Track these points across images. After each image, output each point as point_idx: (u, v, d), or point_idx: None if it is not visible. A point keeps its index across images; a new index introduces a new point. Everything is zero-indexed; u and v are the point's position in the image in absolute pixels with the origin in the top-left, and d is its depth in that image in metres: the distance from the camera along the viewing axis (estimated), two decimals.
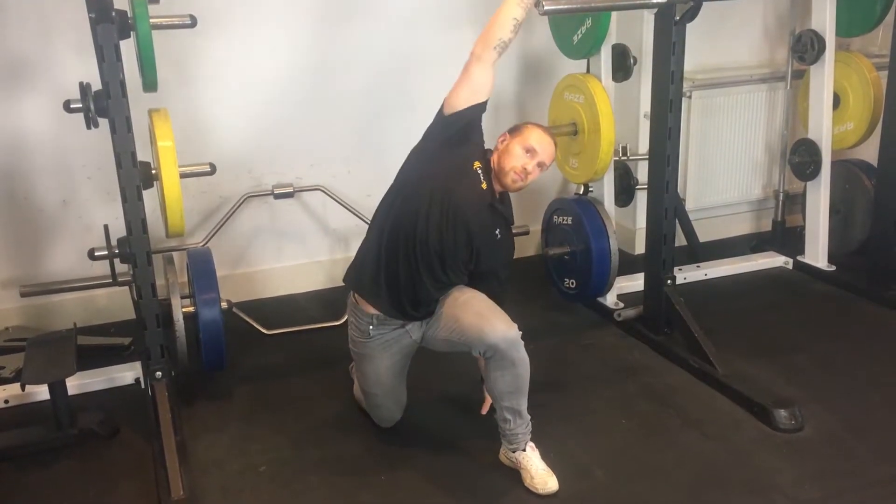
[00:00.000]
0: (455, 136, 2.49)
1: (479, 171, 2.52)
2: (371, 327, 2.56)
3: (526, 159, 2.51)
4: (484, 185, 2.52)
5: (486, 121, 4.02)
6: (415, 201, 2.47)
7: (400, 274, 2.49)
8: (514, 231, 3.67)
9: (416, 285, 2.49)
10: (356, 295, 2.62)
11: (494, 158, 2.57)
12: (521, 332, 2.39)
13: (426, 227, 2.45)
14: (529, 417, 2.47)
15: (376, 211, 2.63)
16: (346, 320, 3.47)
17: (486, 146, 2.64)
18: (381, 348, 2.59)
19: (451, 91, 2.50)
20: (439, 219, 2.45)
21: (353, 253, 3.87)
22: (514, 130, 2.58)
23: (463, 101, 2.47)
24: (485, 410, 2.69)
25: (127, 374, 3.08)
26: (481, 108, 2.50)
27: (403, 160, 2.61)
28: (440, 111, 2.52)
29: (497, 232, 2.59)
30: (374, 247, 2.55)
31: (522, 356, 2.39)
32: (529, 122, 2.62)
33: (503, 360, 2.37)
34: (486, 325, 2.38)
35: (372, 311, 2.56)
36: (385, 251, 2.51)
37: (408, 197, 2.50)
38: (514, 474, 2.47)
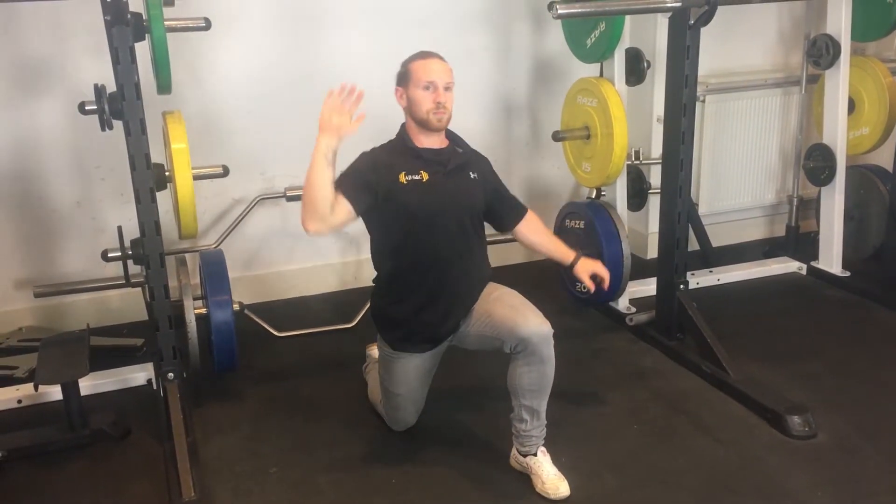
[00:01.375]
0: (370, 204, 2.44)
1: (408, 176, 2.46)
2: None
3: (432, 94, 2.44)
4: (424, 176, 2.47)
5: (499, 125, 4.05)
6: (402, 250, 2.49)
7: (438, 300, 2.49)
8: None
9: (453, 298, 2.50)
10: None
11: (407, 120, 2.54)
12: (553, 331, 2.38)
13: (428, 251, 2.46)
14: (546, 422, 2.46)
15: (374, 259, 2.64)
16: (357, 323, 3.51)
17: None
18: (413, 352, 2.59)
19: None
20: (431, 234, 2.45)
21: (364, 255, 3.88)
22: (402, 79, 2.51)
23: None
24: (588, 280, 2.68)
25: (139, 375, 3.09)
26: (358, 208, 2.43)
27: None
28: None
29: (471, 174, 2.55)
30: (394, 296, 2.57)
31: (551, 354, 2.38)
32: (408, 60, 2.51)
33: (532, 356, 2.35)
34: (519, 317, 2.37)
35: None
36: (407, 294, 2.52)
37: (393, 251, 2.52)
38: (525, 479, 2.46)
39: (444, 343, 2.59)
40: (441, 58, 2.48)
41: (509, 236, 2.79)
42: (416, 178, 2.46)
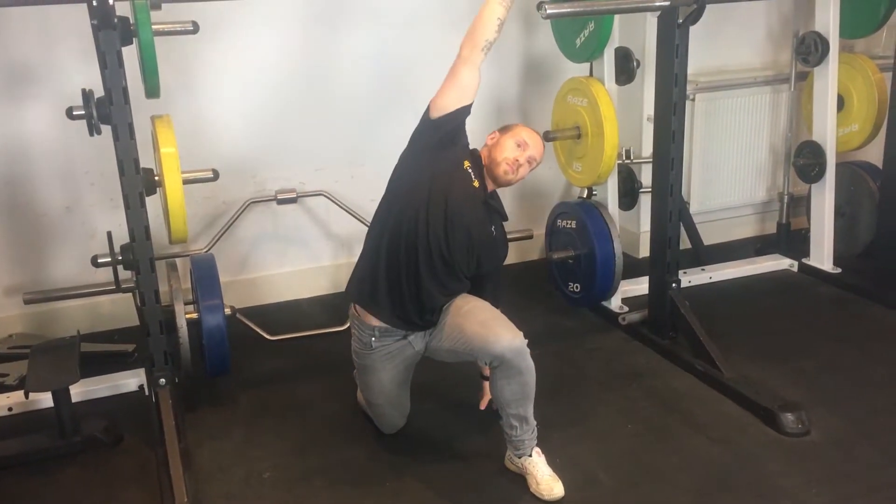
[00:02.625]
0: (445, 138, 2.50)
1: (470, 170, 2.54)
2: (373, 339, 2.56)
3: (518, 152, 2.56)
4: (476, 183, 2.54)
5: (487, 124, 4.04)
6: (412, 208, 2.46)
7: (402, 282, 2.48)
8: (517, 235, 3.68)
9: (421, 292, 2.48)
10: (357, 307, 2.61)
11: (485, 153, 2.61)
12: (526, 340, 2.38)
13: (427, 232, 2.45)
14: (535, 423, 2.46)
15: (373, 221, 2.63)
16: (350, 326, 3.50)
17: (472, 146, 2.65)
18: (384, 360, 2.58)
19: (437, 94, 2.51)
20: (439, 222, 2.45)
21: (356, 258, 3.85)
22: (504, 129, 2.63)
23: (452, 104, 2.48)
24: (483, 406, 2.71)
25: (131, 380, 3.07)
26: (468, 110, 2.51)
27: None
28: (426, 115, 2.53)
29: (493, 229, 2.61)
30: (373, 257, 2.54)
31: (528, 364, 2.38)
32: (521, 124, 2.67)
33: (510, 370, 2.35)
34: (490, 335, 2.36)
35: (374, 322, 2.55)
36: (385, 260, 2.50)
37: (405, 204, 2.49)
38: (520, 480, 2.46)
39: (416, 350, 2.59)
40: (541, 142, 2.67)
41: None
42: (471, 177, 2.54)
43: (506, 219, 2.70)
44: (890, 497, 2.38)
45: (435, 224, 2.45)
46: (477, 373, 2.76)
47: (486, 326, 2.40)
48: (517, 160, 2.55)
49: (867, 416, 2.79)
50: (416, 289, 2.48)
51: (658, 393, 2.97)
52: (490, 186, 2.61)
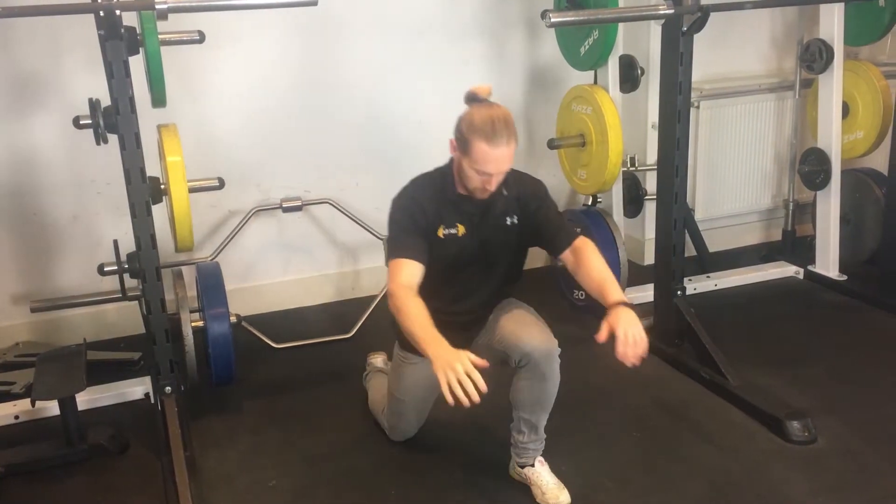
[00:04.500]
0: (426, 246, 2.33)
1: (446, 230, 2.34)
2: None
3: (484, 180, 2.25)
4: (461, 230, 2.36)
5: None
6: (427, 283, 2.31)
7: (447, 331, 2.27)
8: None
9: (478, 310, 2.48)
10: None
11: (455, 169, 2.33)
12: (560, 350, 2.36)
13: (456, 289, 2.42)
14: (545, 436, 2.45)
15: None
16: (355, 333, 3.51)
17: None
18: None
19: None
20: (458, 279, 2.41)
21: (361, 266, 3.89)
22: (461, 145, 2.24)
23: None
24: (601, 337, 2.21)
25: (137, 388, 3.08)
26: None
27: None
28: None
29: (509, 221, 2.39)
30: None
31: (555, 372, 2.36)
32: (472, 131, 2.20)
33: (535, 371, 2.33)
34: (525, 333, 2.35)
35: None
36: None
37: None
38: (527, 489, 2.45)
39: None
40: (508, 141, 2.20)
41: None
42: (453, 231, 2.35)
43: (519, 183, 2.39)
44: None
45: (453, 282, 2.41)
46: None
47: (523, 325, 2.39)
48: (485, 185, 2.26)
49: (874, 423, 2.78)
50: (468, 317, 2.47)
51: (664, 401, 2.97)
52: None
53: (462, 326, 2.45)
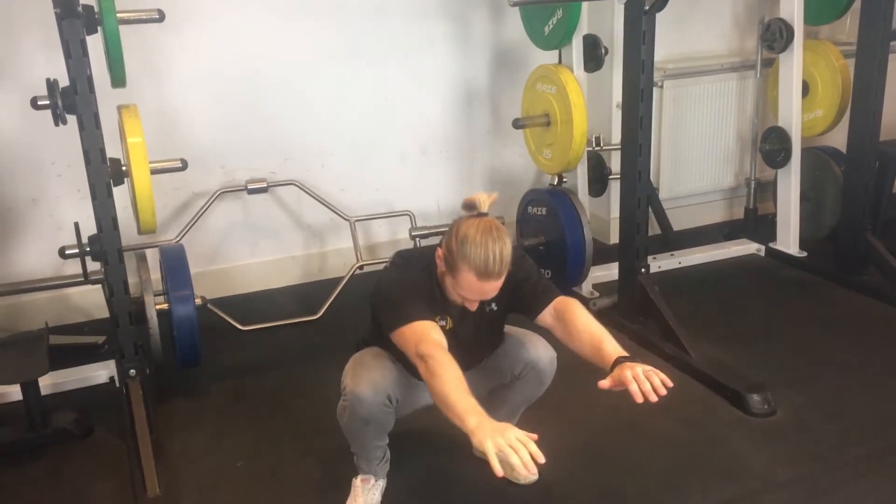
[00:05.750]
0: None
1: (440, 321, 2.14)
2: None
3: (468, 302, 2.10)
4: (449, 323, 2.17)
5: (460, 113, 4.05)
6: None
7: None
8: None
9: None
10: None
11: (439, 273, 2.13)
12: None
13: None
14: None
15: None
16: (322, 315, 3.50)
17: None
18: None
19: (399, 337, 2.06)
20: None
21: (328, 247, 3.85)
22: (448, 264, 2.03)
23: None
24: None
25: (101, 372, 3.06)
26: None
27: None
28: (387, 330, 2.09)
29: (491, 307, 2.22)
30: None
31: (549, 382, 2.38)
32: (463, 257, 1.98)
33: (537, 377, 2.33)
34: (529, 343, 2.32)
35: None
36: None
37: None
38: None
39: None
40: (500, 276, 2.01)
41: None
42: (443, 323, 2.15)
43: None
44: (851, 474, 2.44)
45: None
46: None
47: (525, 336, 2.34)
48: (469, 306, 2.11)
49: (831, 395, 2.84)
50: None
51: None
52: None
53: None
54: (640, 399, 1.87)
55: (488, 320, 2.26)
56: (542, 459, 1.73)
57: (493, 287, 2.03)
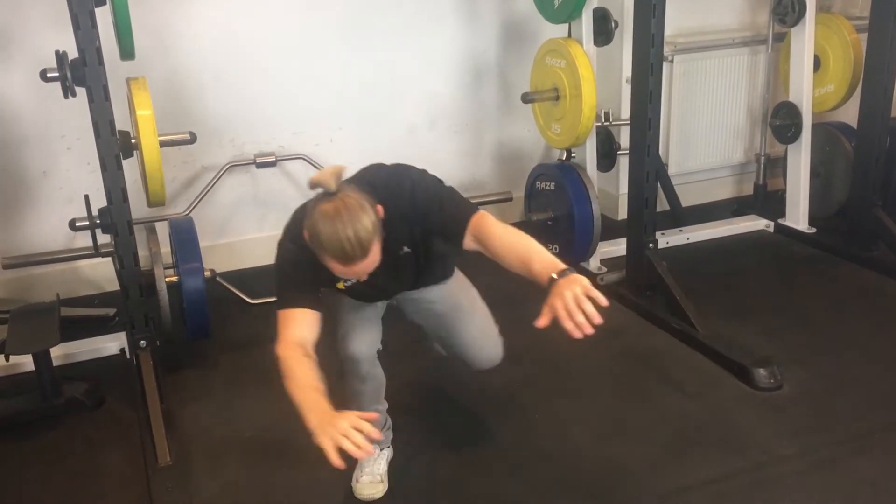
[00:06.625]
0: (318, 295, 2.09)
1: (346, 282, 2.10)
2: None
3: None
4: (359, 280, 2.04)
5: (469, 88, 4.03)
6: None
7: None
8: (496, 197, 3.69)
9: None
10: None
11: None
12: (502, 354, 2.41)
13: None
14: None
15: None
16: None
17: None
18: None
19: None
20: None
21: None
22: (316, 254, 1.92)
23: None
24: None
25: (112, 344, 3.09)
26: None
27: None
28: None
29: (404, 249, 2.11)
30: None
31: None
32: (326, 253, 1.87)
33: (467, 363, 2.43)
34: (475, 351, 2.38)
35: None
36: None
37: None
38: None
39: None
40: (365, 254, 1.87)
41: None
42: (349, 283, 2.09)
43: (399, 207, 2.04)
44: (856, 447, 2.44)
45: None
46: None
47: (474, 341, 2.37)
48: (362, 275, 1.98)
49: (837, 370, 2.85)
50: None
51: (635, 350, 3.02)
52: None
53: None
54: (577, 335, 1.76)
55: (407, 262, 2.12)
56: (377, 436, 1.80)
57: (364, 266, 1.89)
